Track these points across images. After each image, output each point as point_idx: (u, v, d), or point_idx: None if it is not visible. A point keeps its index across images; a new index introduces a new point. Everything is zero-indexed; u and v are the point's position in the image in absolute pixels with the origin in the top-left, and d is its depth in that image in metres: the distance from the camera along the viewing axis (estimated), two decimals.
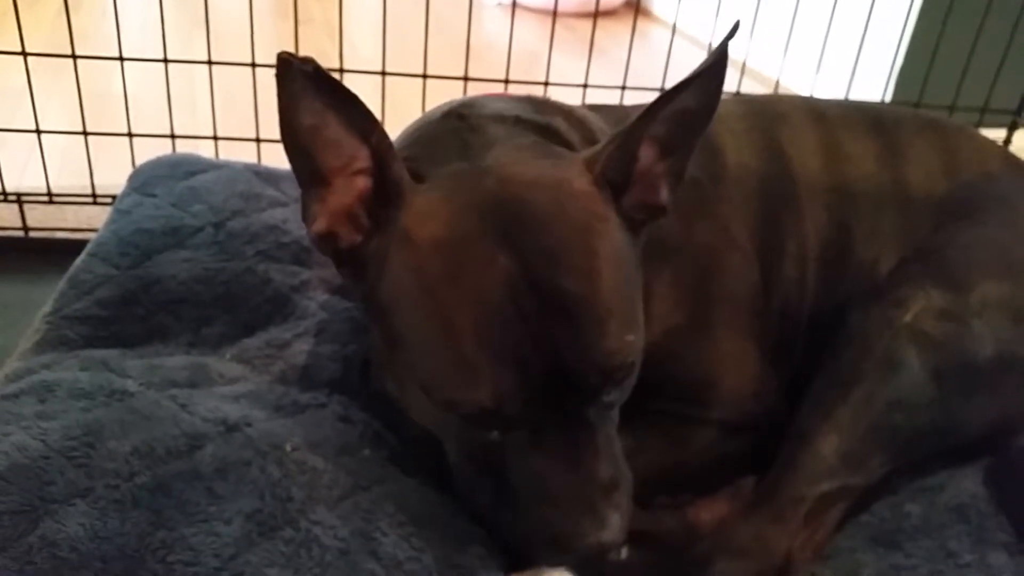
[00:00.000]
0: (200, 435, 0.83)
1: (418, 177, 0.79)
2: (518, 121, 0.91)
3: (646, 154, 0.83)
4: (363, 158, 0.76)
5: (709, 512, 0.97)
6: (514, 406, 0.72)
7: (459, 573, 0.80)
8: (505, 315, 0.72)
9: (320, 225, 0.79)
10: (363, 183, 0.78)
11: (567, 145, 0.91)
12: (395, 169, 0.77)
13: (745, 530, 0.92)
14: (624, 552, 0.94)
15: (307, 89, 0.70)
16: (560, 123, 0.95)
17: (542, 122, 0.93)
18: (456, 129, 0.89)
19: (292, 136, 0.74)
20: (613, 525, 0.74)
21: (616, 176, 0.81)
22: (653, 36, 3.13)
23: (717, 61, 0.78)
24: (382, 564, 0.76)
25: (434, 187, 0.79)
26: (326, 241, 0.80)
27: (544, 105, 1.00)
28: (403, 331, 0.77)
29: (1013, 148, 1.79)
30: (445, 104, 0.97)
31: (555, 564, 0.83)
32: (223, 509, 0.77)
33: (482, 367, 0.72)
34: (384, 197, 0.77)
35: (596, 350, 0.73)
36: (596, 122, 1.01)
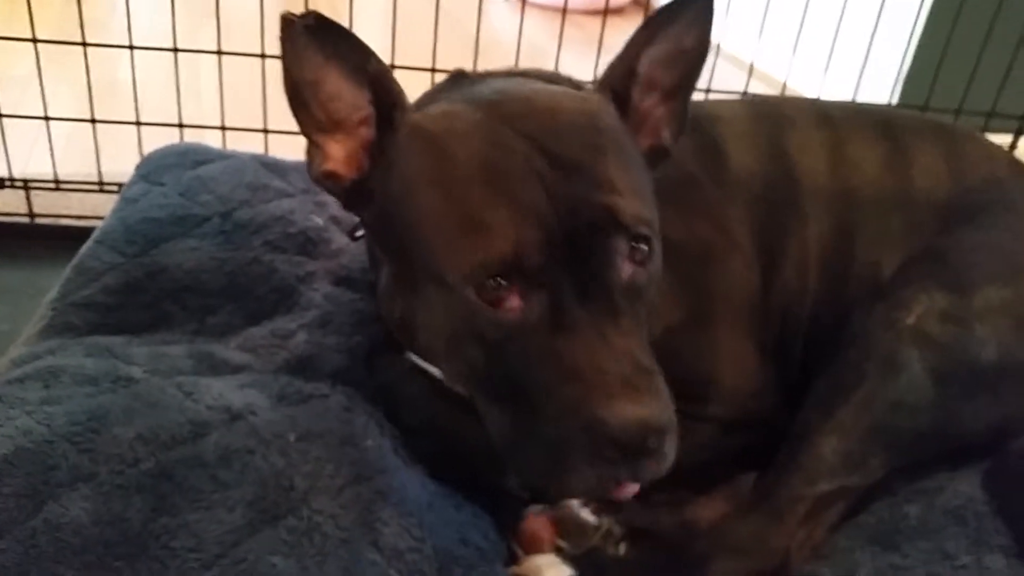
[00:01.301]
0: (204, 423, 0.84)
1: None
2: (525, 74, 0.97)
3: (647, 99, 0.87)
4: (364, 107, 0.80)
5: (708, 510, 0.98)
6: (534, 255, 0.72)
7: (460, 564, 0.81)
8: (520, 172, 0.74)
9: (323, 167, 0.83)
10: (366, 132, 0.82)
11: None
12: (391, 84, 0.80)
13: (743, 529, 0.92)
14: (622, 548, 0.95)
15: (309, 45, 0.75)
16: (564, 80, 0.99)
17: (551, 77, 0.97)
18: (460, 82, 0.93)
19: (296, 91, 0.78)
20: (655, 400, 0.70)
21: (618, 87, 0.85)
22: None
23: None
24: (383, 554, 0.77)
25: (439, 105, 0.84)
26: (330, 179, 0.83)
27: (552, 73, 1.03)
28: (418, 214, 0.78)
29: (1019, 153, 1.78)
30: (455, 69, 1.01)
31: (598, 486, 0.73)
32: (226, 496, 0.77)
33: (500, 220, 0.73)
34: (387, 111, 0.80)
35: (609, 201, 0.75)
36: None
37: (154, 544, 0.73)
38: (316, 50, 0.75)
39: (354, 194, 0.84)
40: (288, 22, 0.74)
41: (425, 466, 0.89)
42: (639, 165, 0.84)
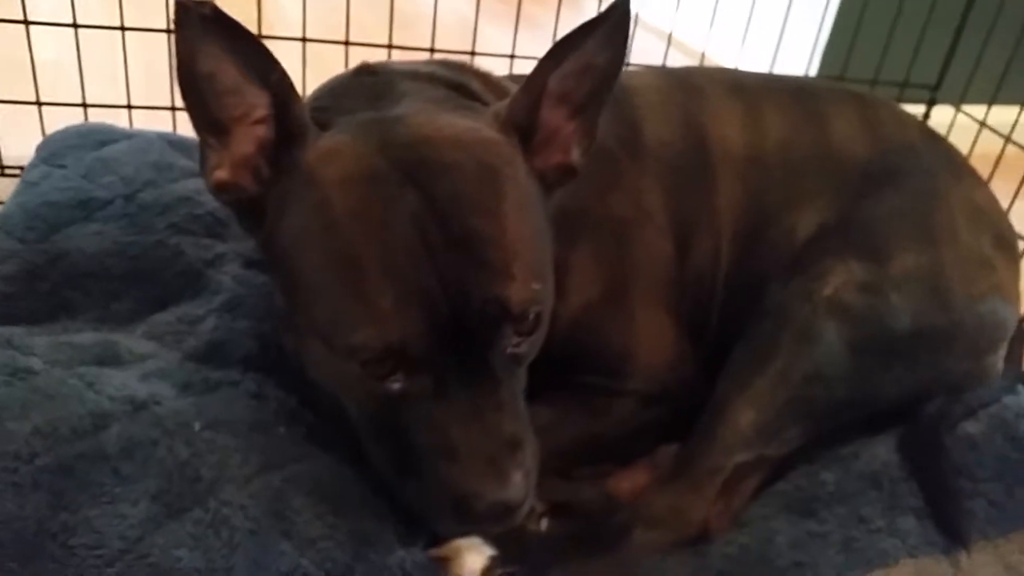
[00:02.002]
0: (106, 414, 0.80)
1: (324, 125, 0.78)
2: (432, 78, 0.91)
3: (556, 115, 0.83)
4: (263, 106, 0.75)
5: (628, 482, 0.98)
6: (418, 346, 0.71)
7: (376, 549, 0.79)
8: (410, 251, 0.71)
9: (220, 175, 0.77)
10: (263, 132, 0.76)
11: (480, 103, 0.90)
12: (296, 109, 0.76)
13: (662, 500, 0.93)
14: (544, 524, 0.94)
15: (206, 34, 0.69)
16: (474, 84, 0.95)
17: (456, 80, 0.93)
18: (366, 83, 0.88)
19: (190, 83, 0.72)
20: (516, 484, 0.73)
21: (522, 121, 0.81)
22: (585, 7, 3.12)
23: (620, 16, 0.78)
24: (294, 543, 0.75)
25: (340, 130, 0.78)
26: (226, 191, 0.78)
27: (460, 67, 0.99)
28: (304, 273, 0.75)
29: (931, 123, 1.82)
30: (360, 63, 0.96)
31: (461, 532, 0.84)
32: (129, 490, 0.75)
33: (386, 304, 0.70)
34: (285, 139, 0.76)
35: (499, 288, 0.72)
36: (513, 89, 0.99)
37: (51, 543, 0.70)
38: (213, 41, 0.70)
39: (248, 211, 0.80)
40: (183, 7, 0.68)
41: (340, 452, 0.87)
42: (539, 222, 0.80)
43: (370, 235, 0.71)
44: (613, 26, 0.79)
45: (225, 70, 0.72)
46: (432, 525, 0.81)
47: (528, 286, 0.74)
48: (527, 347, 0.78)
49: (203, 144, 0.77)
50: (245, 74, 0.72)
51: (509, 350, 0.75)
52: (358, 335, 0.71)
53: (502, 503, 0.72)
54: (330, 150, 0.76)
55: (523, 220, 0.76)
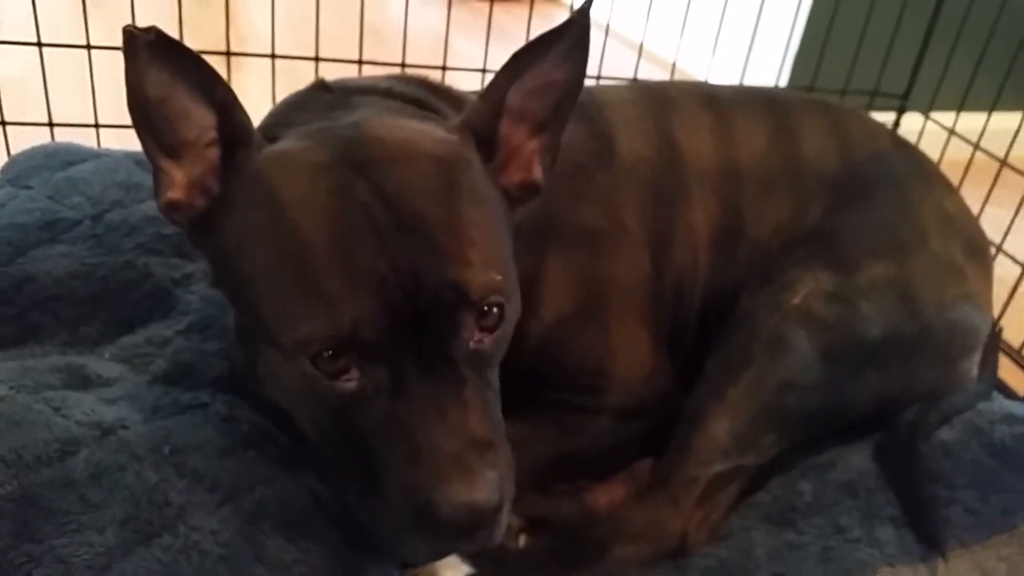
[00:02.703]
0: (73, 440, 0.79)
1: (274, 139, 0.77)
2: (387, 92, 0.90)
3: (517, 132, 0.81)
4: (212, 127, 0.74)
5: (606, 496, 0.97)
6: (371, 330, 0.67)
7: (350, 571, 0.78)
8: (358, 236, 0.68)
9: (171, 195, 0.76)
10: (214, 154, 0.75)
11: (439, 116, 0.89)
12: (239, 117, 0.75)
13: (640, 514, 0.93)
14: (522, 540, 0.94)
15: (153, 60, 0.68)
16: (433, 99, 0.93)
17: (413, 95, 0.91)
18: (321, 97, 0.87)
19: (140, 109, 0.71)
20: (486, 483, 0.67)
21: (480, 130, 0.79)
22: (557, 19, 3.13)
23: (580, 33, 0.78)
24: (267, 567, 0.74)
25: (289, 138, 0.77)
26: (177, 210, 0.77)
27: (418, 81, 0.98)
28: (251, 269, 0.73)
29: (902, 130, 1.83)
30: (316, 80, 0.95)
31: (431, 555, 0.78)
32: (96, 517, 0.73)
33: (334, 286, 0.67)
34: (231, 148, 0.75)
35: (456, 273, 0.70)
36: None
37: (15, 574, 0.68)
38: (161, 67, 0.69)
39: (198, 228, 0.78)
40: (130, 35, 0.67)
41: (313, 473, 0.86)
42: (497, 220, 0.78)
43: (316, 223, 0.69)
44: (572, 42, 0.78)
45: (174, 95, 0.71)
46: (400, 553, 0.77)
47: (487, 273, 0.71)
48: (491, 344, 0.74)
49: (156, 169, 0.76)
50: (193, 96, 0.72)
51: (472, 345, 0.72)
52: (306, 325, 0.68)
53: (471, 506, 0.66)
54: (278, 152, 0.75)
55: (479, 211, 0.74)
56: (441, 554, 0.77)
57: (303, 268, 0.69)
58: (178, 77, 0.70)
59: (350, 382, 0.70)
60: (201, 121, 0.73)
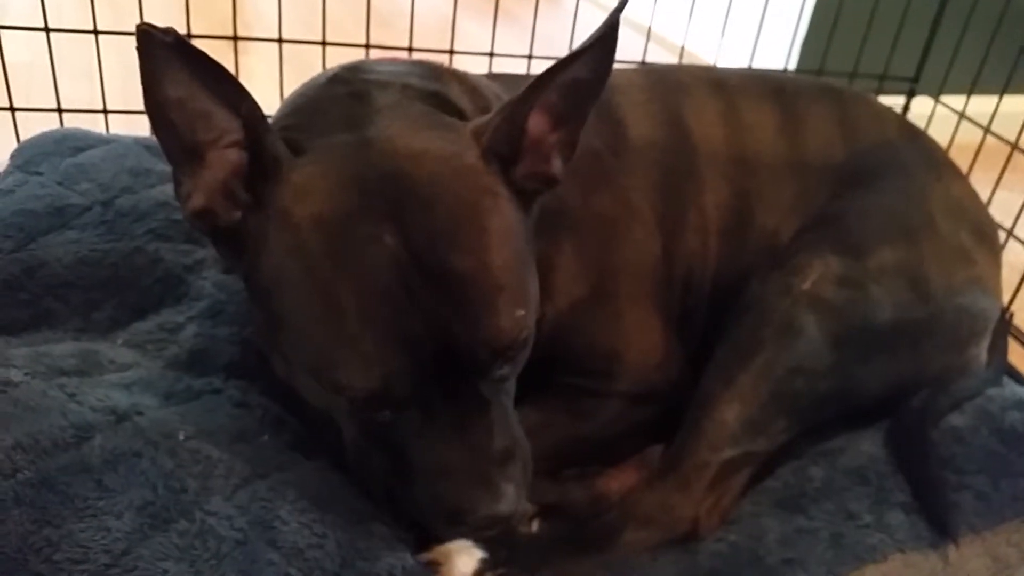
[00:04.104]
0: (88, 426, 0.79)
1: (297, 149, 0.75)
2: (405, 88, 0.87)
3: (538, 125, 0.80)
4: (235, 130, 0.72)
5: (617, 482, 0.98)
6: (403, 388, 0.71)
7: (364, 557, 0.79)
8: (390, 294, 0.69)
9: (196, 202, 0.75)
10: (237, 156, 0.73)
11: (458, 113, 0.87)
12: (269, 142, 0.73)
13: (651, 499, 0.93)
14: (534, 525, 0.94)
15: (170, 60, 0.66)
16: (451, 90, 0.92)
17: (431, 89, 0.89)
18: (339, 96, 0.85)
19: (159, 110, 0.69)
20: (507, 497, 0.73)
21: (504, 148, 0.78)
22: (565, 3, 3.11)
23: (608, 32, 0.76)
24: (282, 553, 0.74)
25: (313, 160, 0.75)
26: (203, 219, 0.76)
27: (436, 71, 0.96)
28: (285, 314, 0.74)
29: (911, 114, 1.83)
30: (332, 68, 0.93)
31: (454, 537, 0.85)
32: (113, 503, 0.74)
33: (368, 349, 0.69)
34: (260, 173, 0.74)
35: (486, 327, 0.71)
36: (493, 90, 0.98)
37: (35, 559, 0.69)
38: (180, 67, 0.67)
39: (226, 239, 0.77)
40: (145, 34, 0.65)
41: (325, 458, 0.87)
42: (521, 245, 0.78)
43: (347, 281, 0.69)
44: (601, 43, 0.76)
45: (194, 96, 0.69)
46: (424, 526, 0.81)
47: (513, 317, 0.73)
48: (513, 368, 0.78)
49: (176, 172, 0.75)
50: (213, 98, 0.70)
51: (496, 375, 0.75)
52: (342, 376, 0.71)
53: (494, 516, 0.73)
54: (304, 187, 0.73)
55: (506, 250, 0.74)
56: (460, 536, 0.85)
57: (336, 325, 0.70)
58: (196, 78, 0.68)
59: (384, 416, 0.74)
60: (222, 123, 0.71)
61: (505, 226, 0.76)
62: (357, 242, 0.70)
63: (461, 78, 0.96)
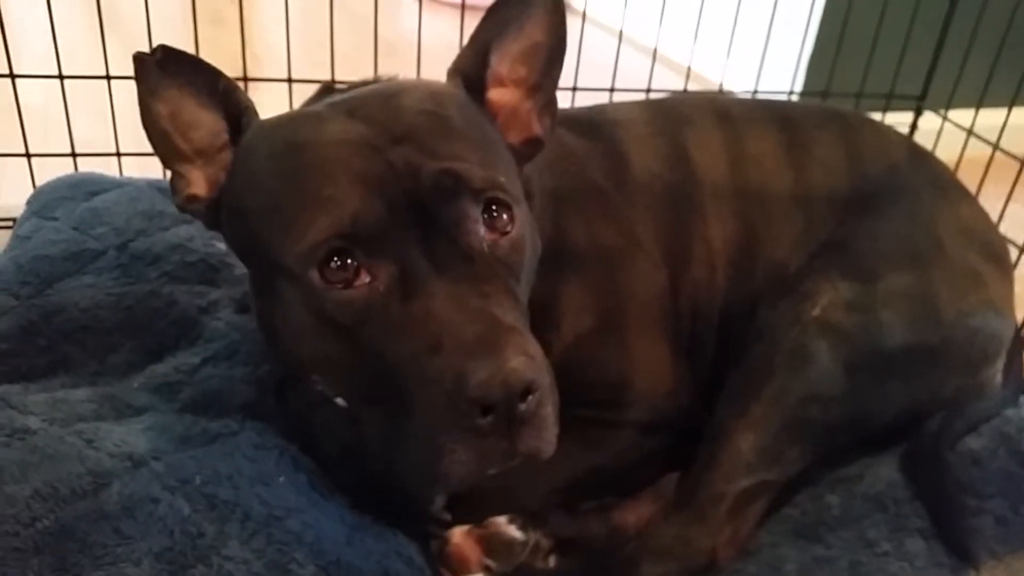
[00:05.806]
0: (106, 472, 0.80)
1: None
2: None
3: (513, 96, 0.86)
4: (223, 132, 0.81)
5: (633, 514, 0.98)
6: (373, 221, 0.70)
7: None
8: (356, 149, 0.74)
9: (190, 192, 0.83)
10: (227, 156, 0.82)
11: None
12: (238, 95, 0.81)
13: (668, 531, 0.93)
14: (551, 560, 0.94)
15: (161, 78, 0.77)
16: None
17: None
18: (323, 95, 0.90)
19: (154, 124, 0.79)
20: (515, 352, 0.65)
21: (469, 71, 0.85)
22: (569, 26, 3.13)
23: None
24: None
25: (280, 115, 0.84)
26: (193, 203, 0.83)
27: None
28: (258, 203, 0.78)
29: (919, 132, 1.82)
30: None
31: (466, 426, 0.66)
32: (131, 550, 0.75)
33: (333, 189, 0.71)
34: (235, 127, 0.81)
35: (452, 168, 0.73)
36: None
37: None
38: (170, 83, 0.77)
39: (213, 210, 0.83)
40: (140, 61, 0.76)
41: (346, 497, 0.87)
42: (493, 144, 0.82)
43: (314, 145, 0.75)
44: (547, 7, 0.83)
45: (184, 106, 0.79)
46: (436, 467, 0.68)
47: (484, 169, 0.75)
48: (508, 248, 0.76)
49: (174, 173, 0.83)
50: (200, 103, 0.79)
51: (486, 244, 0.74)
52: (311, 231, 0.70)
53: (502, 372, 0.64)
54: (278, 116, 0.83)
55: (472, 129, 0.80)
56: (486, 463, 0.69)
57: (304, 184, 0.73)
58: (185, 88, 0.78)
59: (359, 289, 0.71)
60: (212, 127, 0.81)
61: (470, 116, 0.82)
62: (327, 126, 0.77)
63: None
